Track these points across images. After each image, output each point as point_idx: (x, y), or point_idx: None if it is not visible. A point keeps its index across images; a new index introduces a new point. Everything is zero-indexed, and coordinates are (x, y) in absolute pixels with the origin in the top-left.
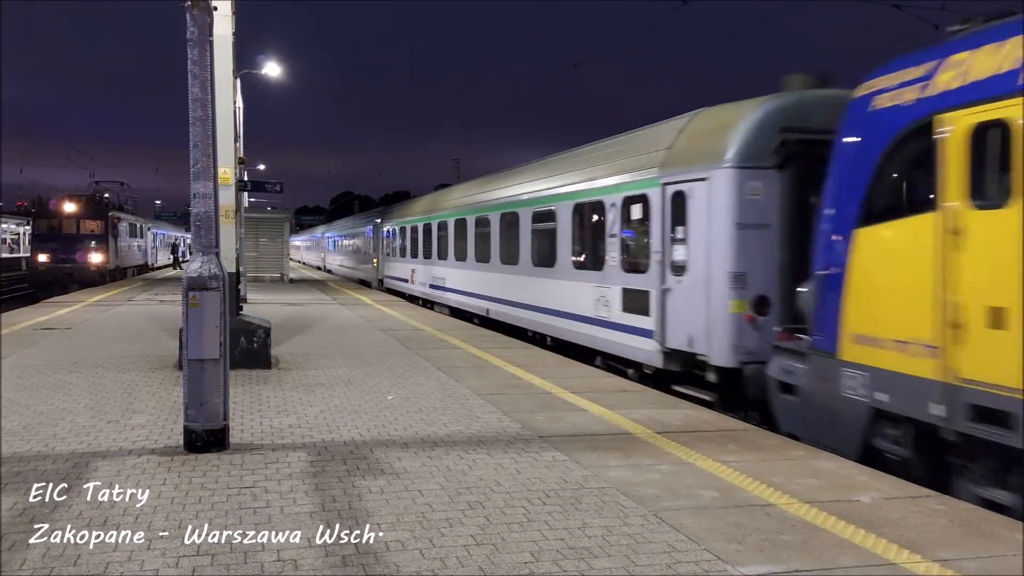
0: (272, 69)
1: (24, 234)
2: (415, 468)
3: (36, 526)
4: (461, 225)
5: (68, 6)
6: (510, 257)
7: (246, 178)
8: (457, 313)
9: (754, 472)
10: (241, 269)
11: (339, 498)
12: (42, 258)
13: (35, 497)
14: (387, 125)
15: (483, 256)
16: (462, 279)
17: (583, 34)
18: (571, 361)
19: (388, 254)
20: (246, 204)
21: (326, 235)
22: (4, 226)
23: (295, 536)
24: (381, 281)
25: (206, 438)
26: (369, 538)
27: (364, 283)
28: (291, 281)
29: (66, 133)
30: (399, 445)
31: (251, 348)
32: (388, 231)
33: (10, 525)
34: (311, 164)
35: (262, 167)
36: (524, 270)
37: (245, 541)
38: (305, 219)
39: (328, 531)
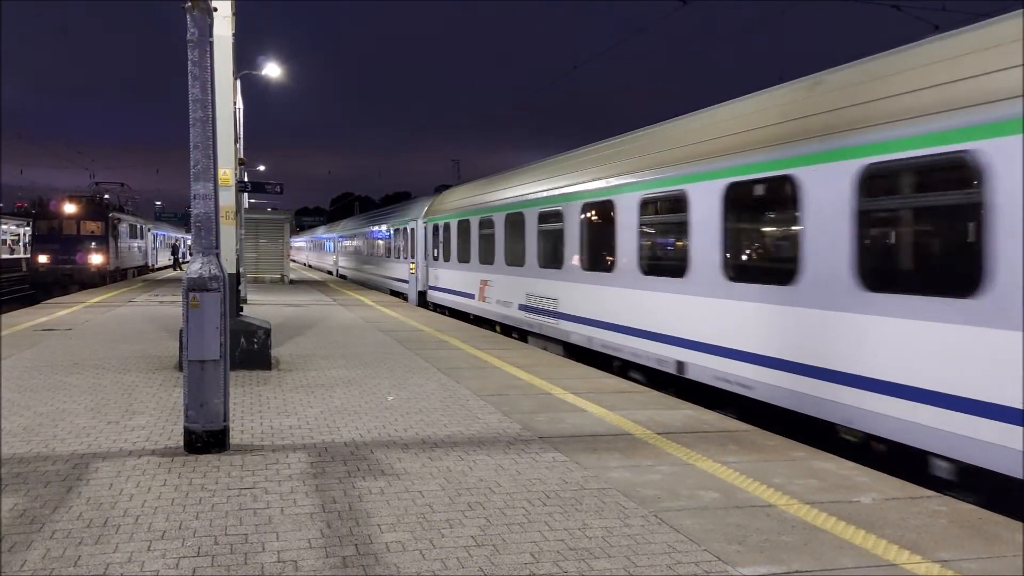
0: (272, 70)
1: (24, 235)
2: (415, 469)
3: (36, 527)
4: (603, 212)
5: (69, 7)
6: (764, 271)
7: (246, 179)
8: (578, 353)
9: (755, 473)
10: (241, 270)
11: (339, 499)
12: (42, 259)
13: (35, 498)
14: (387, 126)
15: (666, 265)
16: (606, 303)
17: (583, 35)
18: (571, 362)
19: (437, 258)
20: (246, 205)
21: (341, 234)
22: (4, 227)
23: (295, 537)
24: (423, 294)
25: (206, 439)
26: (369, 539)
27: (397, 295)
28: (291, 282)
29: (66, 134)
30: (399, 446)
31: (251, 349)
32: (439, 227)
33: (10, 526)
34: (311, 165)
35: (262, 168)
36: (829, 297)
37: (245, 542)
38: (306, 220)
39: (328, 532)
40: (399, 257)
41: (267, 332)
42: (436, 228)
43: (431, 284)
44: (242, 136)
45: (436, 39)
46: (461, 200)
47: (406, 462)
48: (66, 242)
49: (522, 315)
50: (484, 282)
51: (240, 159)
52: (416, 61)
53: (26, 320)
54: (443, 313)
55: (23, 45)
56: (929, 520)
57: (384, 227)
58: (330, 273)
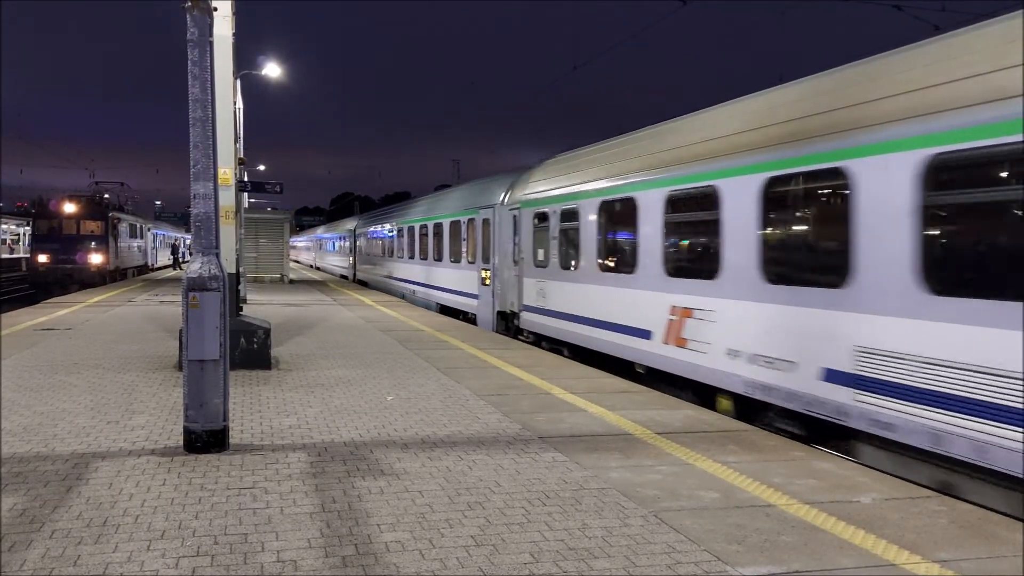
0: (272, 70)
1: (24, 235)
2: (415, 469)
3: (36, 526)
4: None
5: (68, 6)
6: None
7: (246, 179)
8: None
9: (754, 473)
10: (241, 270)
11: (339, 499)
12: (42, 259)
13: (35, 497)
14: (387, 126)
15: None
16: None
17: (583, 35)
18: (570, 362)
19: (545, 263)
20: (246, 205)
21: (363, 230)
22: (4, 227)
23: (295, 536)
24: (507, 317)
25: (206, 439)
26: (369, 538)
27: (450, 312)
28: (291, 282)
29: (66, 134)
30: (399, 446)
31: (251, 349)
32: (550, 214)
33: (10, 525)
34: (311, 165)
35: (262, 168)
36: None
37: (245, 542)
38: (305, 220)
39: (328, 532)
40: (458, 260)
41: (267, 332)
42: (542, 217)
43: (529, 303)
44: (242, 136)
45: (436, 39)
46: (609, 164)
47: (406, 462)
48: (66, 242)
49: (843, 395)
50: (684, 312)
51: (240, 159)
52: (416, 61)
53: (26, 320)
54: (561, 353)
55: (23, 45)
56: (929, 520)
57: (431, 218)
58: (344, 278)
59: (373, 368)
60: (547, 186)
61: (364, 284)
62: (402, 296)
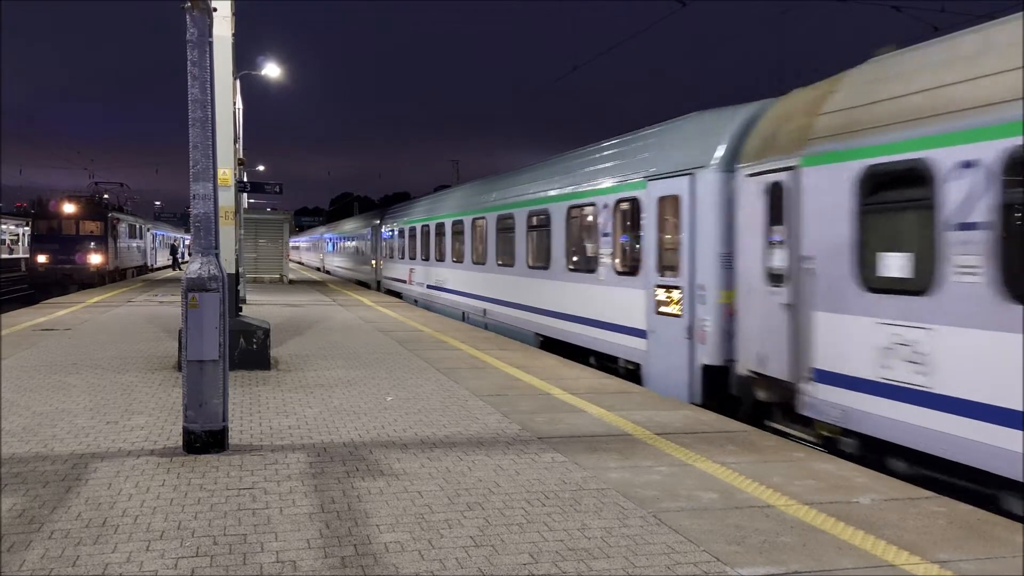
0: (272, 70)
1: (24, 235)
2: (414, 469)
3: (35, 527)
4: None
5: (68, 6)
6: None
7: (246, 179)
8: None
9: (753, 473)
10: (240, 270)
11: (338, 499)
12: (41, 259)
13: (34, 498)
14: (386, 126)
15: None
16: None
17: (583, 36)
18: (570, 362)
19: None
20: (245, 205)
21: (412, 224)
22: (4, 227)
23: (294, 537)
24: (854, 440)
25: (205, 439)
26: (368, 539)
27: (609, 367)
28: (291, 282)
29: (66, 134)
30: (398, 446)
31: (250, 349)
32: None
33: (9, 526)
34: (311, 165)
35: (262, 168)
36: None
37: (244, 542)
38: (304, 220)
39: (327, 532)
40: (589, 269)
41: (266, 332)
42: (897, 178)
43: (843, 369)
44: (242, 136)
45: (435, 40)
46: None
47: (405, 462)
48: (65, 242)
49: None
50: None
51: (240, 159)
52: (415, 62)
53: (25, 320)
54: (1015, 516)
55: (23, 45)
56: (928, 521)
57: (528, 203)
58: (364, 284)
59: (372, 369)
60: (931, 102)
61: (396, 296)
62: (462, 316)
